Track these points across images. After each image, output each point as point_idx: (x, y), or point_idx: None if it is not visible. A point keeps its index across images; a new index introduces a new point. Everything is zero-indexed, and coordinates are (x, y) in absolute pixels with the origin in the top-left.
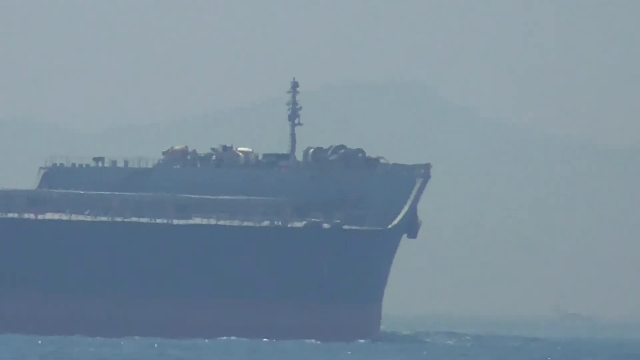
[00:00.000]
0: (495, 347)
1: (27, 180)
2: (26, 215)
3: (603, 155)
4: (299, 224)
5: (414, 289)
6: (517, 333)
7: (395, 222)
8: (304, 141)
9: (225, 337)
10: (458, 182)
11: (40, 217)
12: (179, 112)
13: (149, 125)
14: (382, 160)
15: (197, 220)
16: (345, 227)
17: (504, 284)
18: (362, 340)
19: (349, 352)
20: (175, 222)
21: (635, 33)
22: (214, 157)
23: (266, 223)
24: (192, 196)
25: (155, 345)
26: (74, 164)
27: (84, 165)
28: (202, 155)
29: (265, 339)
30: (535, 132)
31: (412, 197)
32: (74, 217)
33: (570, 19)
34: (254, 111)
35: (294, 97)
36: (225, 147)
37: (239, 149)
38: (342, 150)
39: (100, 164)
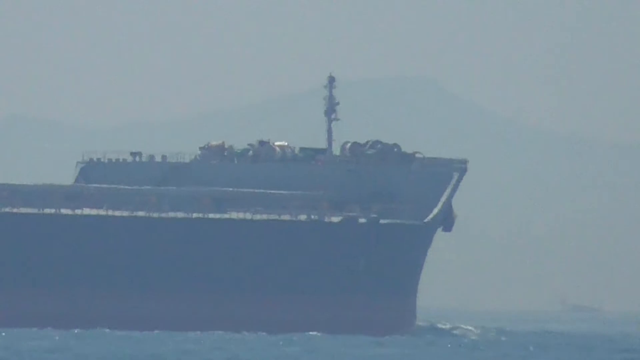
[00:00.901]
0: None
1: (63, 176)
2: (63, 211)
3: (607, 151)
4: (335, 219)
5: (448, 282)
6: (540, 327)
7: (431, 216)
8: (337, 133)
9: (261, 332)
10: (488, 177)
11: (77, 212)
12: (213, 106)
13: (185, 119)
14: (417, 155)
15: (234, 215)
16: (382, 221)
17: (516, 277)
18: (387, 337)
19: (383, 346)
20: (211, 216)
21: None
22: (250, 152)
23: (303, 217)
24: (229, 189)
25: (195, 339)
26: (110, 159)
27: (121, 160)
28: (238, 150)
29: (300, 333)
30: (546, 130)
31: (448, 191)
32: (111, 213)
33: (583, 15)
34: (289, 105)
35: (330, 92)
36: (261, 142)
37: (276, 143)
38: (379, 145)
39: (137, 159)
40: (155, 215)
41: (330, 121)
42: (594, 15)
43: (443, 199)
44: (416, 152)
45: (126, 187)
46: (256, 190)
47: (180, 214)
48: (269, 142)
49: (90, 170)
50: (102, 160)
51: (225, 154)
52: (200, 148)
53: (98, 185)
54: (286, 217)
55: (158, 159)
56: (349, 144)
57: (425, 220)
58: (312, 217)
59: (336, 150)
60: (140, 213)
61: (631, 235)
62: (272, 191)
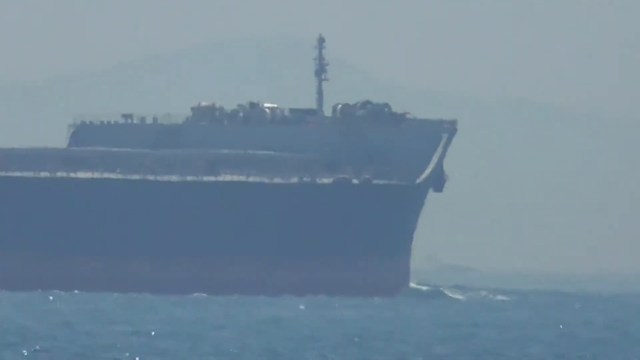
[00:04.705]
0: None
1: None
2: (58, 174)
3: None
4: (327, 180)
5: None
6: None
7: (423, 176)
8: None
9: (253, 295)
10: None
11: (72, 175)
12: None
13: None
14: (408, 116)
15: (227, 177)
16: (374, 182)
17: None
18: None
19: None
20: (206, 178)
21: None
22: (241, 114)
23: (295, 179)
24: (222, 152)
25: (191, 302)
26: (102, 122)
27: (113, 123)
28: (229, 111)
29: (293, 295)
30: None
31: (438, 152)
32: (106, 175)
33: None
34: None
35: (320, 52)
36: (252, 104)
37: (266, 105)
38: (369, 106)
39: (129, 121)
40: (151, 177)
41: (320, 81)
42: None
43: (434, 159)
44: (406, 112)
45: (121, 149)
46: (249, 152)
47: (174, 177)
48: (259, 104)
49: (82, 133)
50: (93, 123)
51: (216, 114)
52: (192, 108)
53: (93, 148)
54: (279, 179)
55: (149, 121)
56: (339, 106)
57: (417, 181)
58: (305, 179)
59: (326, 111)
60: (135, 176)
61: (500, 195)
62: (265, 152)
